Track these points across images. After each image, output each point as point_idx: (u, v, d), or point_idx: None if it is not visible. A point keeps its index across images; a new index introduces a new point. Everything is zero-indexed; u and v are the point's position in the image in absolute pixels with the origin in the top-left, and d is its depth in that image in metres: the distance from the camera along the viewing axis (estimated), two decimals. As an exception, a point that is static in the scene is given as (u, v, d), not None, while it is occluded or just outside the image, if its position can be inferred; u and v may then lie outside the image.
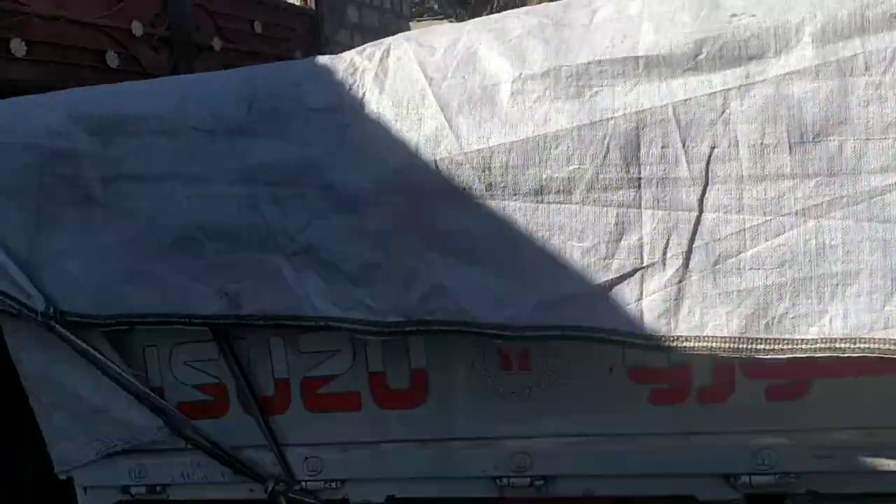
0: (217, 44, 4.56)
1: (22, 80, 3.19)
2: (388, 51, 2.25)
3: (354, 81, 2.23)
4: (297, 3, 6.06)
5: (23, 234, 2.50)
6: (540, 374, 2.33)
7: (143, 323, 2.45)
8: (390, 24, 7.51)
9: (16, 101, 2.60)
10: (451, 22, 9.42)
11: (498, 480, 2.38)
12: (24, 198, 2.48)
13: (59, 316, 2.48)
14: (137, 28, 3.88)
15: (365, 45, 2.34)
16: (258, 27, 5.01)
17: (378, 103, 2.18)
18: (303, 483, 2.53)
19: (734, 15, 1.92)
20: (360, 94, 2.20)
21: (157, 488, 2.68)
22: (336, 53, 6.08)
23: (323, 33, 6.01)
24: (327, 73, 2.27)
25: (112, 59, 3.71)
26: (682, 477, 2.27)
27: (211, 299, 2.35)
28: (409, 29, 7.94)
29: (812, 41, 1.86)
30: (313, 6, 6.01)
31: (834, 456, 2.11)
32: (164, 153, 2.35)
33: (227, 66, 4.61)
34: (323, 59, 2.32)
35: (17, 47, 3.20)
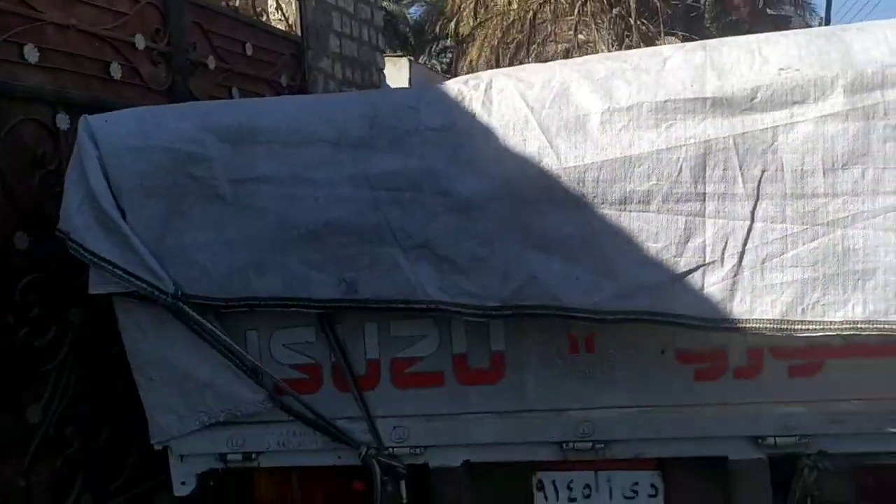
0: (212, 62, 4.65)
1: (33, 85, 3.26)
2: (490, 84, 2.72)
3: (464, 107, 2.69)
4: (283, 29, 6.29)
5: (154, 227, 2.85)
6: (602, 355, 2.79)
7: (264, 305, 2.82)
8: (366, 55, 7.83)
9: (151, 109, 2.98)
10: (407, 58, 9.91)
11: (563, 445, 2.80)
12: (157, 195, 2.85)
13: (185, 298, 2.85)
14: (140, 41, 3.94)
15: (465, 78, 2.81)
16: (249, 49, 5.12)
17: (487, 126, 2.64)
18: (390, 449, 2.92)
19: (782, 69, 2.47)
20: (471, 118, 2.67)
21: (253, 455, 3.03)
22: (319, 80, 6.32)
23: (307, 60, 6.16)
24: (439, 99, 2.73)
25: (116, 71, 3.71)
26: (718, 440, 2.74)
27: (330, 286, 2.75)
28: (383, 62, 8.34)
29: (843, 91, 2.42)
30: (299, 33, 6.17)
31: (843, 421, 2.63)
32: (293, 160, 2.76)
33: (219, 85, 4.70)
34: (433, 88, 2.78)
35: (31, 53, 3.24)
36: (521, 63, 18.23)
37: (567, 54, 17.73)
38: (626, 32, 17.09)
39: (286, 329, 2.97)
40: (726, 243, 2.50)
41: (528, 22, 17.79)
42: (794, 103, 2.46)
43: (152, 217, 2.85)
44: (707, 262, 2.51)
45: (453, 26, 21.04)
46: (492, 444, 2.89)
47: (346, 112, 2.80)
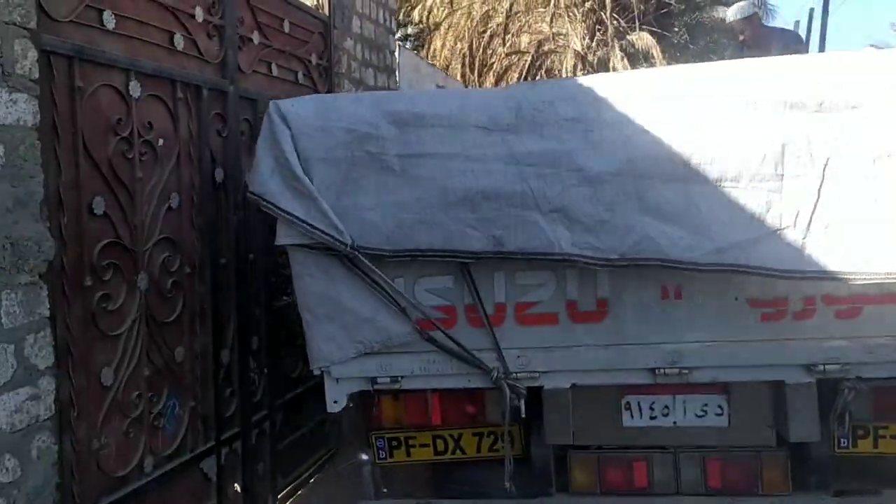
0: (256, 37, 4.66)
1: (110, 51, 3.30)
2: (612, 83, 3.46)
3: (592, 101, 3.41)
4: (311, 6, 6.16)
5: (333, 191, 3.50)
6: (688, 301, 3.54)
7: (425, 256, 3.49)
8: (381, 37, 8.02)
9: (327, 96, 3.65)
10: (398, 43, 10.29)
11: (656, 371, 3.51)
12: (337, 166, 3.50)
13: (359, 249, 3.51)
14: (199, 14, 3.99)
15: (591, 77, 3.53)
16: (286, 27, 5.17)
17: (611, 116, 3.37)
18: (514, 374, 3.59)
19: (836, 86, 3.26)
20: (598, 110, 3.39)
21: (399, 378, 3.67)
22: (343, 60, 6.70)
23: (333, 39, 6.20)
24: (571, 95, 3.46)
25: (179, 42, 3.80)
26: (778, 367, 3.48)
27: (481, 241, 3.43)
28: (394, 45, 8.65)
29: (883, 101, 3.21)
30: (326, 13, 6.19)
31: (876, 353, 3.39)
32: (452, 140, 3.45)
33: (261, 60, 4.72)
34: (566, 85, 3.50)
35: (109, 19, 3.29)
36: (494, 53, 19.00)
37: (540, 45, 18.54)
38: (597, 26, 17.97)
39: (429, 276, 3.63)
40: (798, 213, 3.27)
41: (504, 12, 18.43)
42: (850, 108, 3.24)
43: (333, 183, 3.51)
44: (783, 227, 3.28)
45: (417, 14, 21.28)
46: (596, 371, 3.60)
47: (495, 103, 3.50)
